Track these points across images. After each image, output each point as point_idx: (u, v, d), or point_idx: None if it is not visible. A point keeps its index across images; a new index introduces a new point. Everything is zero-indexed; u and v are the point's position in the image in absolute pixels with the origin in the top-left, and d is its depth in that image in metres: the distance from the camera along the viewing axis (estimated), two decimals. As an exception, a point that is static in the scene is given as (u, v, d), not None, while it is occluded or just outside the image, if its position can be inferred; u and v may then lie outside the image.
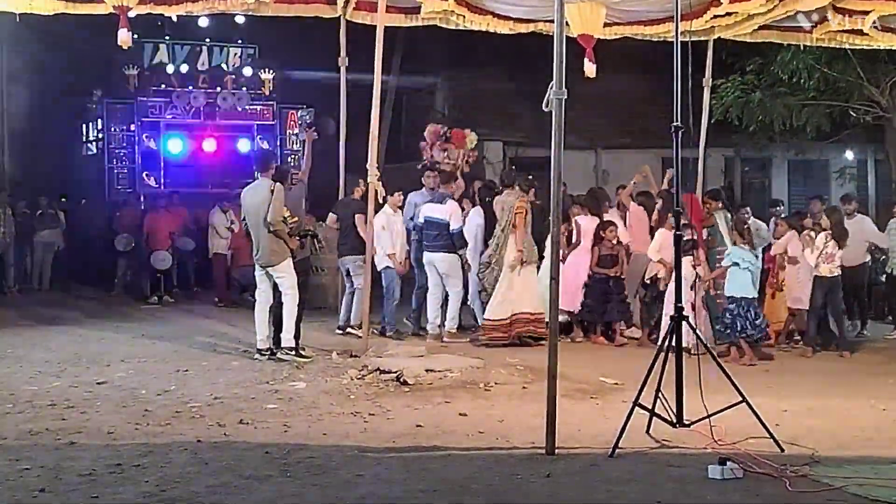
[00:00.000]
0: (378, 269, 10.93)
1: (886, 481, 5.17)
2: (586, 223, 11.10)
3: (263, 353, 9.35)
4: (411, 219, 11.25)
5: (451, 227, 10.69)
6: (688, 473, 5.40)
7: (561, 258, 10.77)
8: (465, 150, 12.31)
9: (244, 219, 9.70)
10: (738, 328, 9.66)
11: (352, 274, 11.17)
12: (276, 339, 9.44)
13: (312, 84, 17.92)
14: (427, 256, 10.87)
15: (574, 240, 11.04)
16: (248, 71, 19.15)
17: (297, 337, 9.45)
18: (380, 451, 5.90)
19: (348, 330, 11.02)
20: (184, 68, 18.85)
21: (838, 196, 20.25)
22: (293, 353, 9.31)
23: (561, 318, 10.89)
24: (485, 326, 10.52)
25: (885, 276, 12.25)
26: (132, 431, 6.38)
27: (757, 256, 9.98)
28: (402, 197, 11.16)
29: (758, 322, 9.72)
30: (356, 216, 10.90)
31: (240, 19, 17.13)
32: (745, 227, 10.09)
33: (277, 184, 9.26)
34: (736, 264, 9.78)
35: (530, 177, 11.15)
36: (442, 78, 22.78)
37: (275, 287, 9.46)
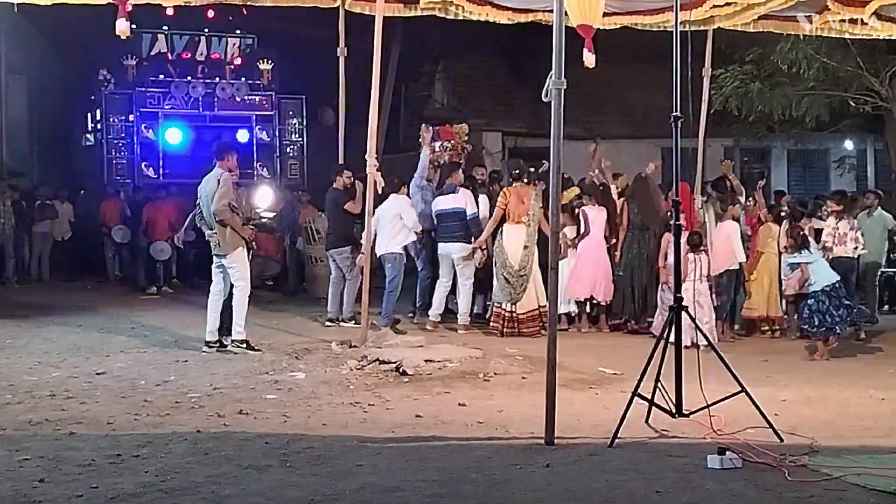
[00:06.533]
0: (378, 255, 10.80)
1: (885, 471, 5.18)
2: (594, 214, 11.15)
3: (211, 345, 9.27)
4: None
5: (468, 214, 10.81)
6: (687, 463, 5.40)
7: (573, 247, 10.95)
8: (459, 141, 12.24)
9: (196, 209, 9.63)
10: (817, 322, 9.34)
11: (340, 266, 11.12)
12: (228, 331, 9.36)
13: (311, 74, 17.90)
14: (443, 248, 10.91)
15: (583, 230, 11.09)
16: (246, 61, 19.11)
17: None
18: (379, 441, 5.91)
19: (341, 324, 10.92)
20: (183, 58, 18.83)
21: (837, 186, 20.25)
22: (244, 345, 9.22)
23: (568, 308, 11.00)
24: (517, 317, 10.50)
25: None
26: (131, 422, 6.39)
27: (812, 252, 9.60)
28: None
29: (839, 312, 9.26)
30: (347, 205, 10.88)
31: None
32: (802, 234, 9.71)
33: (224, 173, 9.22)
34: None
35: (532, 168, 11.14)
36: (441, 68, 22.74)
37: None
